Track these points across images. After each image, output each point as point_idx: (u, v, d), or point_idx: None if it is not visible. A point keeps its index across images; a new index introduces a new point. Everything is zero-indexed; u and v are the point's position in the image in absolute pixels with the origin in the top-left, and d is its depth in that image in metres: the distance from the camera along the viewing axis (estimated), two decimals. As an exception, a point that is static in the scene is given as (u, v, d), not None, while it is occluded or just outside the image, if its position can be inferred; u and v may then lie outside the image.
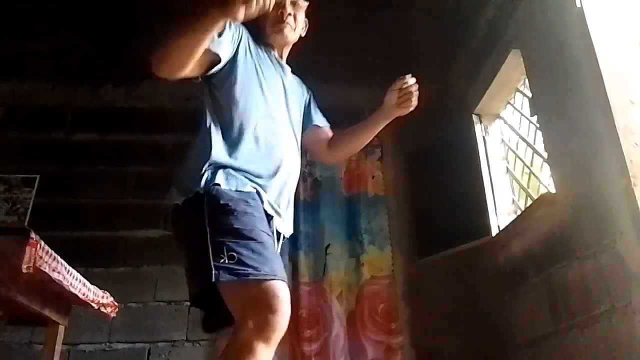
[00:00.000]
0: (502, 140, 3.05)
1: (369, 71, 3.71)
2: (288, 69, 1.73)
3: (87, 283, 1.91)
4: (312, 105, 1.84)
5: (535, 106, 2.43)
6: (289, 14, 1.63)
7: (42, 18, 3.78)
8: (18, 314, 1.70)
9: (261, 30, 1.65)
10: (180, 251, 1.47)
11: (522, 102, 2.82)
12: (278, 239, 1.49)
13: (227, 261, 1.24)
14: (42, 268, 1.45)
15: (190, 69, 1.36)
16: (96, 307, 2.03)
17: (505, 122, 3.04)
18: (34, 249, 1.39)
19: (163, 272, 3.08)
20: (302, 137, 1.72)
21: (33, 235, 1.39)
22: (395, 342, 2.98)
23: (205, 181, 1.37)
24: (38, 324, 2.16)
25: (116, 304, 2.20)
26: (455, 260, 3.08)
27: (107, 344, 2.89)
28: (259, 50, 1.62)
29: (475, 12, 3.11)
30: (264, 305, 1.21)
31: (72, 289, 1.74)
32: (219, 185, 1.36)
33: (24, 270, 1.35)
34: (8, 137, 3.37)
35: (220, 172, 1.39)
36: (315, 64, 3.70)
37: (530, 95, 2.54)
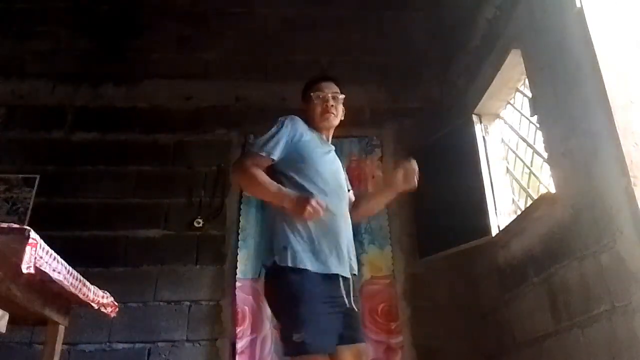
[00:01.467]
0: (502, 140, 3.05)
1: (369, 71, 3.72)
2: (332, 148, 2.10)
3: (87, 283, 1.91)
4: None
5: (535, 106, 2.43)
6: (332, 106, 2.04)
7: (42, 18, 3.79)
8: (18, 313, 1.70)
9: (312, 121, 2.05)
10: None
11: (522, 102, 2.82)
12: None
13: None
14: (42, 268, 1.45)
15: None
16: (96, 307, 2.03)
17: (505, 122, 3.04)
18: (34, 249, 1.39)
19: (163, 272, 3.08)
20: None
21: (33, 235, 1.39)
22: (395, 342, 2.98)
23: None
24: (38, 324, 2.15)
25: (116, 304, 2.20)
26: (456, 260, 3.08)
27: (107, 343, 2.89)
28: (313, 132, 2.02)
29: (475, 11, 3.11)
30: None
31: (72, 289, 1.74)
32: None
33: (24, 270, 1.35)
34: (8, 137, 3.37)
35: None
36: (315, 63, 3.71)
37: (530, 95, 2.54)
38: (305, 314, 1.63)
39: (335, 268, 1.76)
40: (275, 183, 1.80)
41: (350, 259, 1.86)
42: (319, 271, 1.72)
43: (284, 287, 1.71)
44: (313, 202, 1.69)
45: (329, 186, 1.88)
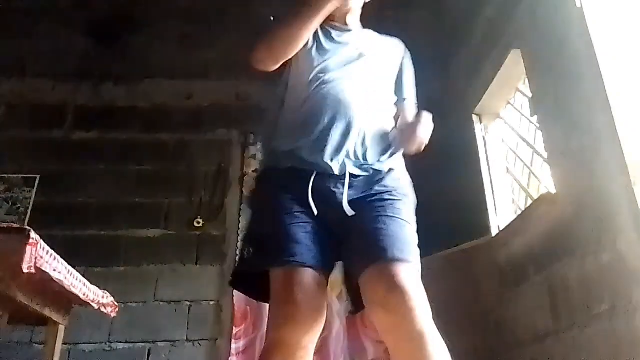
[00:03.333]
0: (502, 140, 3.05)
1: (369, 71, 3.71)
2: (363, 31, 1.73)
3: (87, 283, 1.91)
4: (402, 73, 1.74)
5: (535, 106, 2.43)
6: None
7: (42, 17, 3.78)
8: (18, 313, 1.70)
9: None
10: None
11: (522, 101, 2.82)
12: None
13: None
14: (42, 268, 1.45)
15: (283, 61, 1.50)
16: (96, 307, 2.03)
17: (505, 122, 3.04)
18: (34, 249, 1.39)
19: (163, 272, 3.08)
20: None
21: (33, 235, 1.39)
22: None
23: None
24: (38, 324, 2.16)
25: (116, 303, 2.20)
26: (456, 259, 3.08)
27: (107, 343, 2.89)
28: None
29: (475, 11, 3.11)
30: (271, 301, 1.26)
31: (72, 289, 1.74)
32: None
33: (25, 270, 1.35)
34: (8, 136, 3.37)
35: None
36: (315, 63, 3.71)
37: (530, 94, 2.54)
38: (255, 222, 1.39)
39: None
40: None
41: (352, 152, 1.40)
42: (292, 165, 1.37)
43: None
44: None
45: (336, 60, 1.52)
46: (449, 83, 3.60)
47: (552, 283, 2.24)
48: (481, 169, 2.90)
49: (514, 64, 2.69)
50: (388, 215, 1.32)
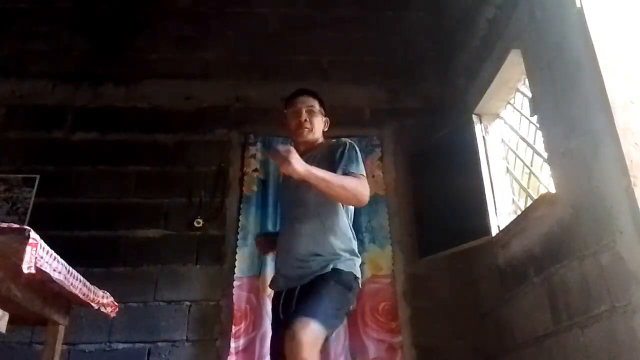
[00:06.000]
0: (502, 140, 3.05)
1: (369, 71, 3.72)
2: (317, 153, 2.08)
3: (87, 283, 1.91)
4: (337, 161, 2.05)
5: (535, 106, 2.43)
6: (305, 120, 2.08)
7: (42, 18, 3.79)
8: (18, 313, 1.70)
9: (291, 136, 2.17)
10: None
11: (522, 102, 2.82)
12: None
13: None
14: (42, 268, 1.44)
15: None
16: (96, 307, 2.03)
17: (505, 122, 3.04)
18: (34, 249, 1.39)
19: (163, 272, 3.08)
20: None
21: (33, 234, 1.39)
22: (396, 341, 2.98)
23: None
24: (38, 324, 2.16)
25: (116, 304, 2.20)
26: (456, 259, 3.09)
27: (107, 343, 2.89)
28: None
29: (475, 11, 3.11)
30: None
31: (72, 289, 1.74)
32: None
33: (25, 270, 1.35)
34: (8, 137, 3.37)
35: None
36: (315, 63, 3.71)
37: (530, 95, 2.54)
38: None
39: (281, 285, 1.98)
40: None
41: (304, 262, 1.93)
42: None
43: None
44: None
45: (288, 201, 2.11)
46: (449, 83, 3.61)
47: (552, 283, 2.24)
48: (481, 169, 2.90)
49: (513, 65, 2.69)
50: (313, 292, 1.81)
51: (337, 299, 1.82)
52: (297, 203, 2.03)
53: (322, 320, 1.68)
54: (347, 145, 2.02)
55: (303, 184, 1.88)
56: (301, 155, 1.97)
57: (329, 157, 2.03)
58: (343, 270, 1.88)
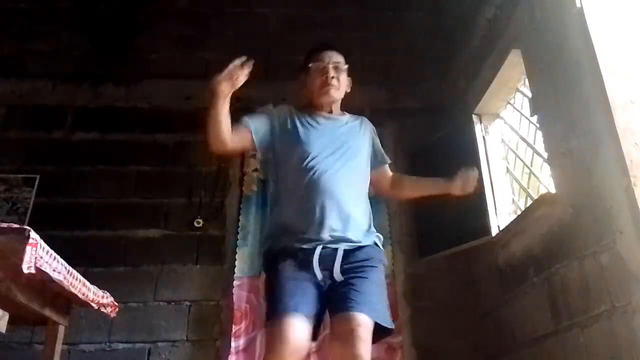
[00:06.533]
0: (502, 140, 3.05)
1: (369, 71, 3.72)
2: (343, 119, 1.99)
3: (87, 283, 1.91)
4: (376, 145, 2.07)
5: (535, 106, 2.43)
6: (333, 77, 1.89)
7: (42, 17, 3.79)
8: (18, 313, 1.70)
9: (311, 95, 1.94)
10: None
11: (522, 102, 2.82)
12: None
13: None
14: (42, 268, 1.45)
15: (230, 141, 1.77)
16: (96, 307, 2.03)
17: (505, 122, 3.04)
18: (34, 249, 1.39)
19: (163, 272, 3.08)
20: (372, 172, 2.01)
21: (33, 235, 1.39)
22: (396, 341, 2.98)
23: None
24: (38, 324, 2.15)
25: (116, 304, 2.20)
26: (456, 260, 3.09)
27: (107, 343, 2.89)
28: (302, 117, 1.92)
29: (475, 11, 3.11)
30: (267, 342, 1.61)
31: (72, 289, 1.74)
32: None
33: (25, 270, 1.35)
34: (8, 137, 3.37)
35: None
36: (315, 63, 3.71)
37: (530, 95, 2.54)
38: (270, 283, 1.72)
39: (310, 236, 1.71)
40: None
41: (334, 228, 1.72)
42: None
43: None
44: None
45: (319, 146, 1.82)
46: (449, 83, 3.61)
47: (552, 284, 2.24)
48: (481, 169, 2.90)
49: (513, 65, 2.69)
50: (362, 277, 1.67)
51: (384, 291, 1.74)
52: (338, 146, 1.85)
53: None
54: (374, 128, 2.06)
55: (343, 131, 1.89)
56: (325, 117, 1.92)
57: (359, 131, 1.97)
58: (380, 248, 1.83)
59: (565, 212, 2.11)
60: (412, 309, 3.08)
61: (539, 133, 2.47)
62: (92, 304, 1.98)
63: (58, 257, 1.58)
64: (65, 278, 1.64)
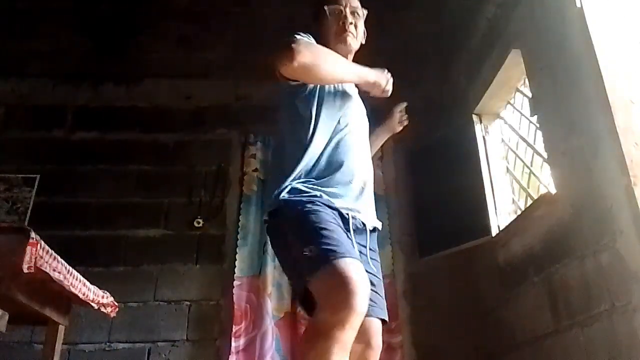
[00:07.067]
0: (502, 140, 3.05)
1: (369, 71, 3.71)
2: None
3: (87, 283, 1.92)
4: None
5: (535, 106, 2.43)
6: (351, 23, 1.71)
7: (42, 17, 3.78)
8: (18, 313, 1.70)
9: (326, 43, 1.67)
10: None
11: (522, 102, 2.82)
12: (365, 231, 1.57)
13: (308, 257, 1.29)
14: (42, 268, 1.45)
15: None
16: (96, 307, 2.03)
17: (505, 122, 3.04)
18: (34, 249, 1.39)
19: (163, 272, 3.08)
20: None
21: (33, 234, 1.39)
22: (396, 341, 2.98)
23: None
24: (38, 324, 2.16)
25: (116, 303, 2.20)
26: (456, 259, 3.08)
27: (107, 343, 2.89)
28: None
29: (475, 11, 3.10)
30: (336, 284, 1.21)
31: (72, 289, 1.74)
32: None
33: (25, 270, 1.35)
34: (8, 137, 3.37)
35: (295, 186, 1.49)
36: (315, 63, 3.70)
37: (530, 95, 2.54)
38: (315, 224, 1.35)
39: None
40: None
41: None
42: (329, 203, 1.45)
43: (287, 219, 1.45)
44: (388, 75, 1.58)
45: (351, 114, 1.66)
46: (449, 83, 3.60)
47: (552, 283, 2.24)
48: (481, 169, 2.90)
49: (513, 64, 2.69)
50: (377, 276, 1.57)
51: None
52: (362, 118, 1.74)
53: None
54: None
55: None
56: None
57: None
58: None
59: (565, 212, 2.11)
60: (412, 309, 3.09)
61: (539, 133, 2.47)
62: (92, 304, 1.99)
63: (58, 257, 1.58)
64: (65, 278, 1.64)
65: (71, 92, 3.55)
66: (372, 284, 1.40)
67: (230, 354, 2.86)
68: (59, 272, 1.59)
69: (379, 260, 1.66)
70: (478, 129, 3.05)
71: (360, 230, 1.53)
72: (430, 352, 2.97)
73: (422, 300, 3.10)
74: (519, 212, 2.73)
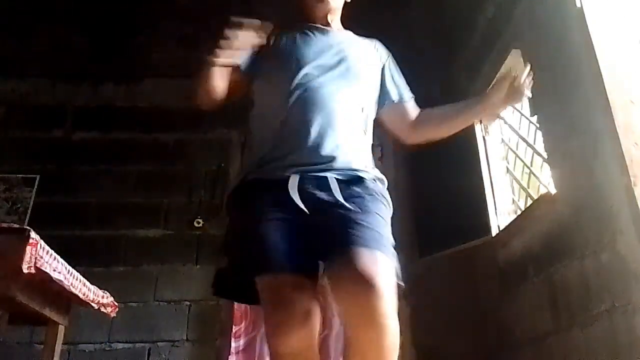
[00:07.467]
0: (502, 140, 3.05)
1: (369, 70, 3.71)
2: (345, 33, 1.69)
3: (87, 283, 1.91)
4: (389, 75, 1.74)
5: (535, 106, 2.43)
6: None
7: (42, 17, 3.78)
8: (18, 313, 1.70)
9: (303, 5, 1.65)
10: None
11: (522, 101, 2.82)
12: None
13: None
14: (42, 268, 1.45)
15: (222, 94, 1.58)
16: (96, 307, 2.03)
17: (505, 122, 3.04)
18: (34, 249, 1.39)
19: (163, 272, 3.08)
20: (379, 111, 1.70)
21: (33, 234, 1.39)
22: (395, 342, 2.98)
23: None
24: (38, 324, 2.16)
25: (116, 303, 2.20)
26: (456, 259, 3.08)
27: (107, 343, 2.89)
28: (289, 35, 1.66)
29: (475, 11, 3.11)
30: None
31: (72, 289, 1.74)
32: None
33: (25, 270, 1.35)
34: (8, 136, 3.37)
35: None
36: (315, 63, 3.70)
37: (530, 95, 2.53)
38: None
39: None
40: None
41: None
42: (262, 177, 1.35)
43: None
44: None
45: (311, 61, 1.51)
46: (449, 82, 3.60)
47: (552, 283, 2.24)
48: (481, 169, 2.90)
49: (514, 64, 2.69)
50: (367, 211, 1.33)
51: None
52: (334, 64, 1.53)
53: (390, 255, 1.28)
54: (391, 55, 1.68)
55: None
56: (320, 30, 1.64)
57: (367, 52, 1.66)
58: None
59: (565, 212, 2.11)
60: (412, 309, 3.08)
61: (539, 133, 2.47)
62: (92, 304, 1.99)
63: (58, 256, 1.58)
64: (65, 278, 1.64)
65: (71, 92, 3.55)
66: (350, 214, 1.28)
67: (230, 354, 2.86)
68: (59, 272, 1.59)
69: (378, 198, 1.43)
70: (478, 129, 3.05)
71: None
72: (430, 352, 2.97)
73: (422, 301, 3.10)
74: (519, 212, 2.73)
